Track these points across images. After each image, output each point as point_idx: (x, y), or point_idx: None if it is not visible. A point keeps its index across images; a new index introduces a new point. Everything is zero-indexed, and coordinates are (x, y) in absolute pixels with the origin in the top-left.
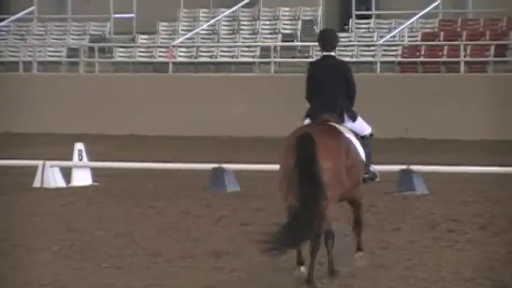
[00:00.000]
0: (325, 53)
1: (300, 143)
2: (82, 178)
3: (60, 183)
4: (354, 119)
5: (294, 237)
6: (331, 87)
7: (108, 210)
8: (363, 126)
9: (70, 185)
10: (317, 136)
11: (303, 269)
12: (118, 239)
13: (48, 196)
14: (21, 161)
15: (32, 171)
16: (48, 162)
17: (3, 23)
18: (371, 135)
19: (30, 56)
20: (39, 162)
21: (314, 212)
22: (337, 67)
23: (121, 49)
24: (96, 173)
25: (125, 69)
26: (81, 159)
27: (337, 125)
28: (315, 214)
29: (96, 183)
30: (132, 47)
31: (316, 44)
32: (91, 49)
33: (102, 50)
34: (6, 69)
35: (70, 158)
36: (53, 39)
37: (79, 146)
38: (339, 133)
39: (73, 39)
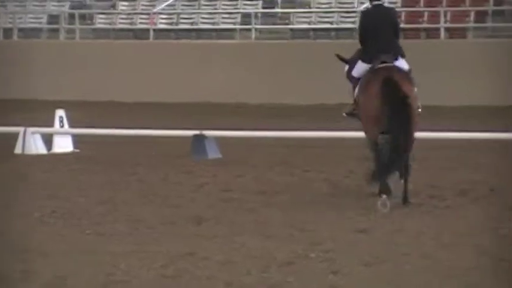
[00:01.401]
0: (375, 2)
1: (388, 87)
2: (63, 145)
3: (42, 149)
4: (402, 57)
5: (398, 163)
6: (385, 31)
7: (90, 177)
8: (405, 63)
9: (51, 151)
10: (400, 80)
11: (384, 197)
12: (99, 205)
13: (29, 163)
14: (1, 127)
15: (13, 137)
16: (30, 129)
17: None
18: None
19: (10, 22)
20: (20, 129)
21: (410, 144)
22: (388, 13)
23: (101, 16)
24: (77, 139)
25: (106, 36)
26: (62, 126)
27: (400, 66)
28: (410, 145)
29: (77, 150)
30: (113, 13)
31: (296, 11)
32: (71, 16)
33: (82, 17)
34: None
35: (51, 125)
36: (34, 5)
37: (60, 112)
38: (410, 76)
39: (53, 5)
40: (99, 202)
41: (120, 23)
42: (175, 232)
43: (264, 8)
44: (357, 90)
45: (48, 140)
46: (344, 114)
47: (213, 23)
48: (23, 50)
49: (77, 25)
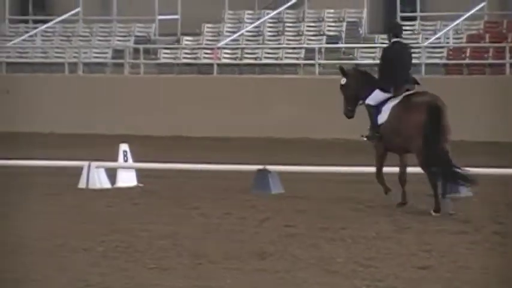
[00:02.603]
0: (394, 39)
1: (432, 107)
2: (127, 179)
3: (105, 184)
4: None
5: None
6: (405, 64)
7: (153, 212)
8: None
9: (115, 186)
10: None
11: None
12: (163, 240)
13: (93, 197)
14: (66, 161)
15: (77, 172)
16: (94, 163)
17: (49, 24)
18: None
19: (75, 57)
20: (85, 163)
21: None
22: (407, 49)
23: (166, 50)
24: (140, 174)
25: (170, 71)
26: (126, 160)
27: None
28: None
29: (140, 185)
30: (177, 48)
31: (360, 46)
32: (136, 50)
33: (147, 51)
34: (51, 71)
35: (115, 159)
36: (98, 40)
37: (124, 147)
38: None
39: (118, 40)
40: (162, 236)
41: (184, 57)
42: (238, 267)
43: (328, 43)
44: (383, 116)
45: (112, 174)
46: (364, 138)
47: (276, 58)
48: (87, 85)
49: (141, 60)
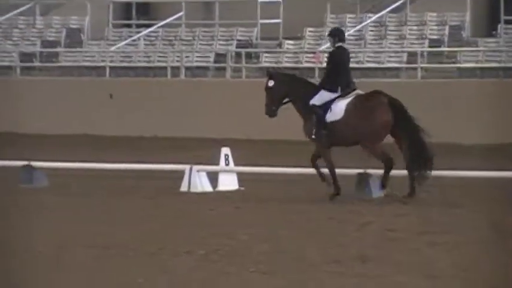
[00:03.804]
0: (338, 44)
1: (395, 103)
2: (228, 183)
3: (207, 187)
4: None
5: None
6: (348, 68)
7: (254, 215)
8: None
9: (216, 189)
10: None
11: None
12: (263, 243)
13: (194, 200)
14: (168, 165)
15: (179, 175)
16: (195, 167)
17: (152, 29)
18: None
19: (178, 61)
20: (186, 167)
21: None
22: (348, 53)
23: (267, 54)
24: (242, 177)
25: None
26: (227, 164)
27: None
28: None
29: (242, 188)
30: (279, 52)
31: (463, 49)
32: (238, 54)
33: (249, 56)
34: (154, 75)
35: (216, 163)
36: (201, 44)
37: (225, 150)
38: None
39: (220, 44)
40: (263, 240)
41: (286, 61)
42: (339, 271)
43: (430, 46)
44: (334, 114)
45: (213, 178)
46: (313, 136)
47: (378, 62)
48: (190, 88)
49: (243, 64)
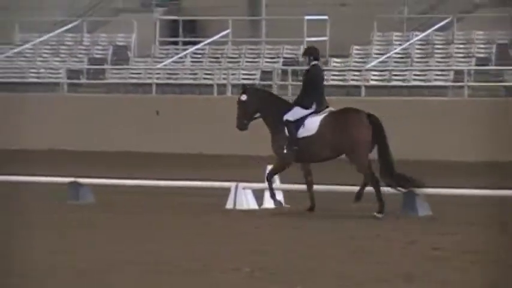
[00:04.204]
0: (313, 62)
1: (373, 120)
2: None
3: (253, 205)
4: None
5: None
6: (322, 86)
7: (299, 233)
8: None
9: (262, 207)
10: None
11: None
12: (308, 261)
13: (240, 218)
14: (214, 182)
15: (224, 192)
16: (241, 184)
17: (198, 46)
18: None
19: (224, 78)
20: (232, 184)
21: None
22: (322, 72)
23: None
24: (287, 195)
25: None
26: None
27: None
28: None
29: (287, 206)
30: (325, 70)
31: (510, 68)
32: (284, 72)
33: (295, 73)
34: (200, 92)
35: (262, 180)
36: (247, 62)
37: (270, 168)
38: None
39: (266, 62)
40: (309, 257)
41: (332, 79)
42: None
43: (477, 65)
44: (306, 129)
45: (259, 195)
46: (285, 151)
47: (425, 80)
48: (235, 106)
49: (290, 81)
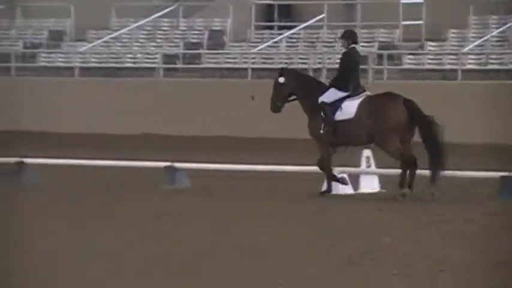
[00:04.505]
0: (352, 45)
1: (409, 104)
2: (370, 185)
3: (348, 190)
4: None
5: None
6: (359, 69)
7: (396, 217)
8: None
9: (358, 191)
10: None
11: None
12: (405, 245)
13: (336, 203)
14: (309, 167)
15: (319, 177)
16: (337, 169)
17: (293, 31)
18: None
19: (319, 63)
20: None
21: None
22: (360, 55)
23: (410, 56)
24: (383, 180)
25: (413, 77)
26: (368, 166)
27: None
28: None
29: (383, 190)
30: (421, 54)
31: None
32: (379, 56)
33: (390, 57)
34: None
35: (357, 165)
36: (342, 46)
37: (367, 152)
38: None
39: (362, 46)
40: (405, 242)
41: (428, 63)
42: (479, 273)
43: None
44: (344, 112)
45: (354, 180)
46: (321, 131)
47: None
48: None
49: (385, 65)
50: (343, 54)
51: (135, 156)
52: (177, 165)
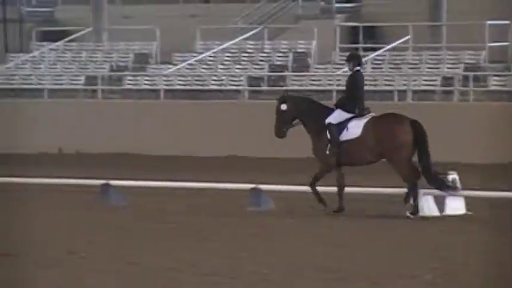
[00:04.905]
0: (357, 68)
1: (416, 125)
2: (456, 207)
3: (434, 211)
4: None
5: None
6: (363, 91)
7: (482, 240)
8: None
9: (444, 213)
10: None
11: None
12: (490, 268)
13: (422, 224)
14: (392, 188)
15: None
16: (422, 190)
17: (378, 52)
18: None
19: (404, 85)
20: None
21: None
22: (363, 78)
23: (496, 78)
24: (469, 202)
25: (500, 98)
26: (455, 189)
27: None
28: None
29: (469, 213)
30: (507, 75)
31: None
32: (465, 78)
33: (476, 79)
34: (380, 98)
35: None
36: (428, 68)
37: (453, 175)
38: None
39: (447, 68)
40: (490, 265)
41: None
42: None
43: None
44: (350, 133)
45: (441, 201)
46: (327, 152)
47: None
48: (416, 112)
49: (471, 87)
50: (350, 76)
51: (220, 178)
52: (262, 187)
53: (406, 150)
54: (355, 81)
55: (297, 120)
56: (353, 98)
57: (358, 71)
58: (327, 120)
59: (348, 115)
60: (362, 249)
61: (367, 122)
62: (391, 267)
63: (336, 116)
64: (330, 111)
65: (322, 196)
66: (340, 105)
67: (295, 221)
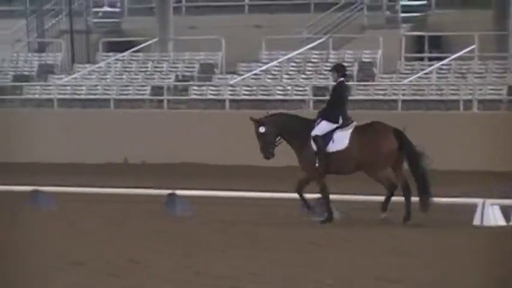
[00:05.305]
0: (340, 79)
1: (399, 133)
2: None
3: (500, 221)
4: None
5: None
6: (347, 102)
7: None
8: None
9: (510, 223)
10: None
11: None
12: None
13: (486, 234)
14: (459, 198)
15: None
16: (488, 201)
17: (444, 62)
18: None
19: (470, 94)
20: (479, 201)
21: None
22: (348, 88)
23: None
24: None
25: None
26: None
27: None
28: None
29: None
30: None
31: None
32: None
33: None
34: (446, 108)
35: (509, 196)
36: (494, 77)
37: None
38: None
39: None
40: None
41: None
42: None
43: None
44: (336, 144)
45: (507, 211)
46: (317, 165)
47: None
48: (482, 122)
49: None
50: (334, 87)
51: (281, 188)
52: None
53: (386, 158)
54: (338, 92)
55: (279, 138)
56: (337, 108)
57: (342, 81)
58: (313, 133)
59: (333, 126)
60: (427, 258)
61: (352, 132)
62: (453, 277)
63: (321, 128)
64: (310, 122)
65: (308, 203)
66: (323, 115)
67: (353, 230)
